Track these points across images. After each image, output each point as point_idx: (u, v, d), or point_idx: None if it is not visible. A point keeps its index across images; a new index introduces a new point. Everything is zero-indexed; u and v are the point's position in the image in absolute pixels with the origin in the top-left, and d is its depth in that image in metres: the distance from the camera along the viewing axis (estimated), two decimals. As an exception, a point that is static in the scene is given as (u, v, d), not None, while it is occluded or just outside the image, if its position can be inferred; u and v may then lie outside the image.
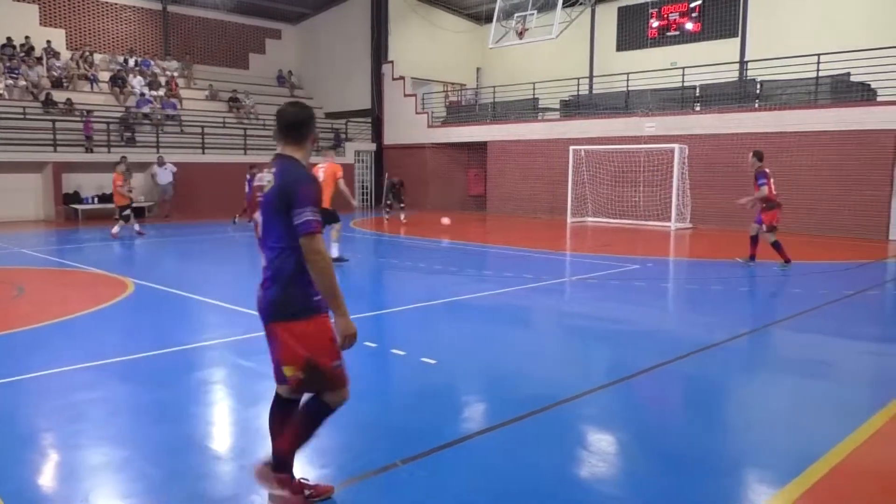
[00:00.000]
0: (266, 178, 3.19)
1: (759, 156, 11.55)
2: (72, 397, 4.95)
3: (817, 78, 17.65)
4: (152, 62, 26.44)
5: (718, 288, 9.92)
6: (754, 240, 11.53)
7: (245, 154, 24.41)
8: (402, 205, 20.77)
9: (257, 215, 3.23)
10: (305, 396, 3.39)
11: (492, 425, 4.52)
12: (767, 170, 11.35)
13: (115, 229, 15.66)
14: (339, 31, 29.20)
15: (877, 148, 16.16)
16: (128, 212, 15.90)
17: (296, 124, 3.28)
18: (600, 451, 4.17)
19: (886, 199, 16.22)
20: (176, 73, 26.79)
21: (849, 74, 17.43)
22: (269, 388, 5.23)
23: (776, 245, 11.18)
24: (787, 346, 6.86)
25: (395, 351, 6.34)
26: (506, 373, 5.76)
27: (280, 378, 3.38)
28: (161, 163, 21.06)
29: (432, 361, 5.93)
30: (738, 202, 12.07)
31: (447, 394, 5.20)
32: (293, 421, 3.32)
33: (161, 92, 25.13)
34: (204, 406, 4.93)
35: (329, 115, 29.53)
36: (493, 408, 4.97)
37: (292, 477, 3.34)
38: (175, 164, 21.53)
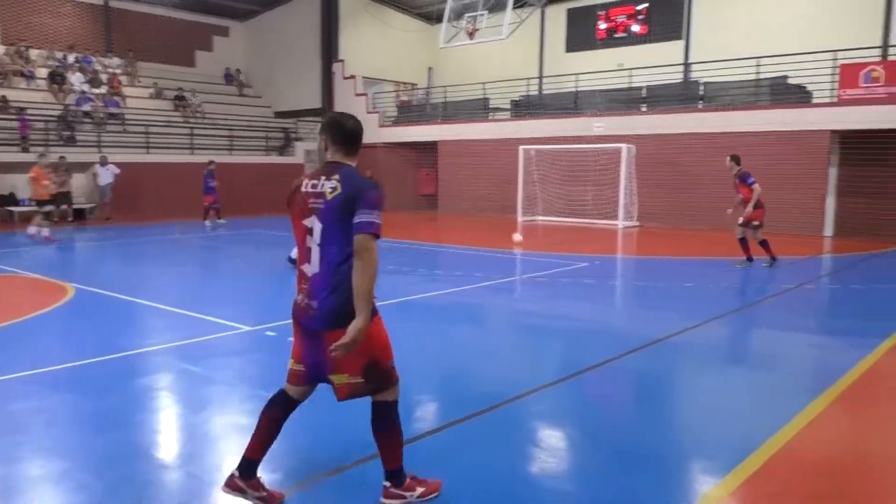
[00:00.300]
0: (328, 186, 3.16)
1: (736, 159, 11.61)
2: (7, 408, 4.77)
3: (757, 80, 18.22)
4: (93, 59, 25.65)
5: (664, 285, 10.15)
6: (744, 242, 11.44)
7: (192, 154, 23.89)
8: None
9: (310, 220, 3.20)
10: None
11: (442, 424, 4.53)
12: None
13: (33, 230, 14.79)
14: (289, 29, 28.83)
15: (813, 148, 16.76)
16: (50, 207, 15.21)
17: (355, 136, 3.30)
18: (550, 447, 4.23)
19: (822, 196, 16.84)
20: (118, 71, 26.05)
21: (786, 77, 18.04)
22: (217, 393, 5.17)
23: (764, 243, 11.27)
24: (729, 339, 7.06)
25: (346, 352, 6.29)
26: (456, 372, 5.79)
27: (304, 381, 3.42)
28: (104, 163, 20.42)
29: (383, 362, 5.91)
30: (728, 212, 11.83)
31: (400, 395, 5.18)
32: (382, 436, 3.37)
33: (103, 90, 24.40)
34: (149, 413, 4.82)
35: (279, 115, 29.13)
36: (444, 407, 4.98)
37: (405, 480, 3.42)
38: (118, 164, 20.88)
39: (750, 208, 11.21)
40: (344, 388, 3.27)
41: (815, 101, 17.80)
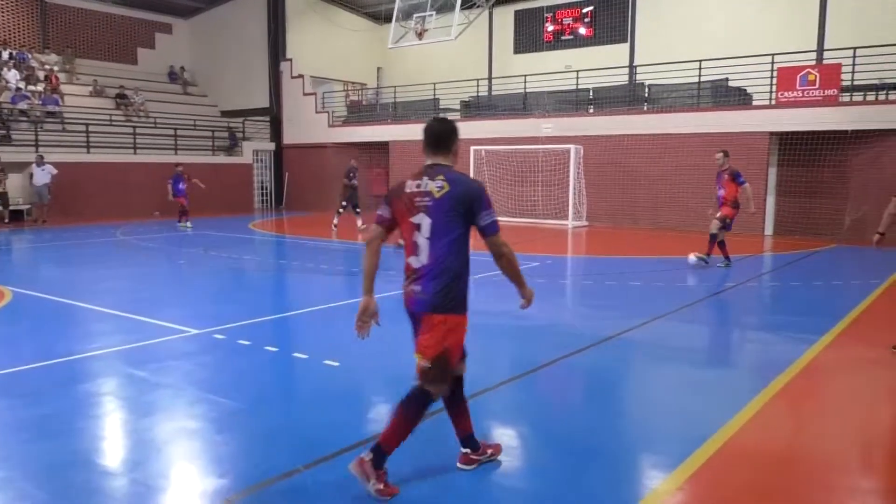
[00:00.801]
0: (434, 185, 3.46)
1: (727, 153, 11.56)
2: (-60, 416, 4.57)
3: (699, 83, 18.71)
4: (29, 55, 24.73)
5: (612, 283, 10.34)
6: (720, 242, 11.35)
7: (135, 153, 23.26)
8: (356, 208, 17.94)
9: (418, 217, 3.47)
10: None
11: (396, 425, 4.51)
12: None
13: None
14: (235, 26, 28.31)
15: (753, 149, 17.29)
16: None
17: (443, 136, 3.60)
18: (503, 445, 4.26)
19: (762, 196, 17.38)
20: (56, 68, 25.17)
21: (727, 80, 18.57)
22: (163, 397, 5.04)
23: (722, 244, 11.31)
24: (675, 336, 7.22)
25: (296, 354, 6.23)
26: (408, 372, 5.75)
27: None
28: (40, 162, 19.67)
29: (335, 363, 5.87)
30: (711, 214, 11.63)
31: (351, 396, 5.16)
32: (399, 414, 3.52)
33: (40, 87, 23.54)
34: (91, 419, 4.66)
35: (225, 114, 28.59)
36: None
37: (479, 445, 3.82)
38: (57, 163, 20.15)
39: (728, 208, 11.19)
40: (418, 370, 3.52)
41: (754, 103, 18.38)
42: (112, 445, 4.28)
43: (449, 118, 3.72)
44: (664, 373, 5.93)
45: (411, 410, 3.52)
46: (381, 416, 4.84)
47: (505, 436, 4.42)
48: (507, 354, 6.57)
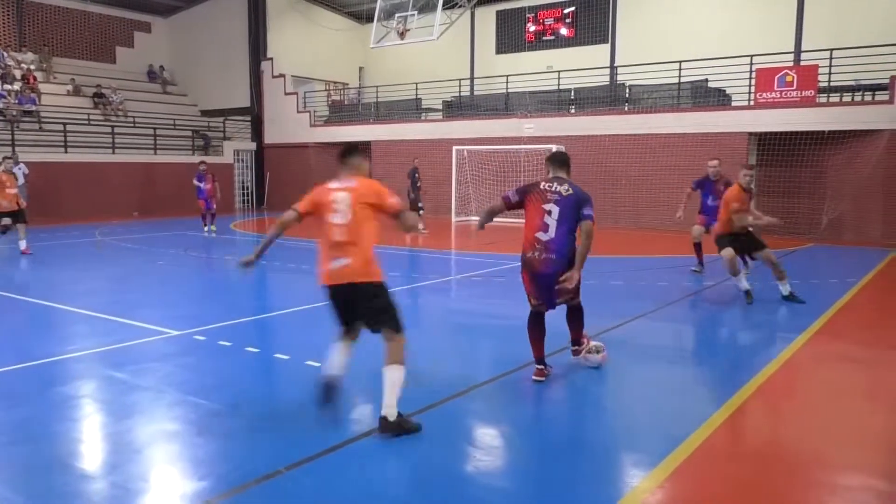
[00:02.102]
0: (562, 188, 5.29)
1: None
2: (-86, 421, 4.49)
3: (679, 84, 18.86)
4: (5, 54, 24.37)
5: (593, 282, 10.38)
6: (699, 246, 11.07)
7: (113, 153, 23.00)
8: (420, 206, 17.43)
9: (549, 206, 5.21)
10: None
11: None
12: None
13: (23, 245, 12.85)
14: (215, 25, 28.09)
15: (731, 149, 17.44)
16: (7, 220, 12.97)
17: (565, 160, 5.57)
18: (486, 444, 4.27)
19: (742, 196, 17.56)
20: (33, 66, 24.83)
21: (707, 81, 18.74)
22: (143, 399, 4.99)
23: (698, 247, 11.00)
24: (656, 335, 7.28)
25: (278, 355, 6.20)
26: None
27: (550, 305, 5.44)
28: (16, 161, 19.36)
29: (317, 364, 5.84)
30: (680, 218, 11.32)
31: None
32: (576, 320, 5.68)
33: (16, 86, 23.20)
34: (69, 422, 4.61)
35: (205, 114, 28.36)
36: (379, 409, 4.95)
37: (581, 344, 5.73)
38: (35, 163, 19.84)
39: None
40: (565, 301, 5.48)
41: (733, 104, 18.57)
42: (91, 448, 4.23)
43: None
44: (644, 371, 5.97)
45: (578, 316, 5.64)
46: (362, 416, 4.83)
47: (487, 435, 4.43)
48: (490, 353, 6.59)
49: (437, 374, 5.77)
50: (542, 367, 5.43)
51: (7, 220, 12.78)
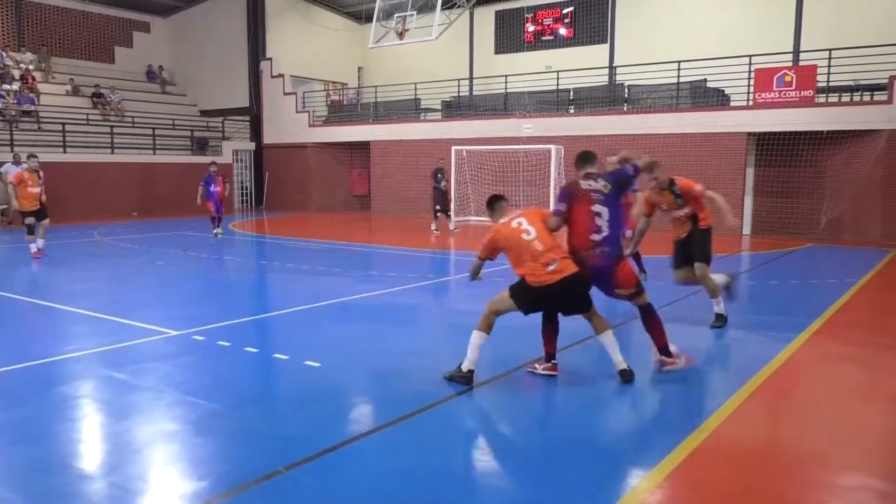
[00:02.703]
0: (601, 185, 5.41)
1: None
2: (-87, 421, 4.49)
3: (678, 84, 18.87)
4: (4, 54, 24.35)
5: (593, 282, 10.37)
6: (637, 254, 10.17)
7: (112, 153, 22.98)
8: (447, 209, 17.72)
9: (598, 207, 5.36)
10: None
11: (377, 426, 4.51)
12: None
13: (36, 246, 12.45)
14: (214, 25, 28.08)
15: (731, 149, 17.48)
16: (31, 219, 12.55)
17: (594, 157, 5.72)
18: (484, 444, 4.27)
19: (740, 196, 17.58)
20: (32, 66, 24.80)
21: (705, 81, 18.75)
22: (142, 399, 4.99)
23: (637, 255, 9.94)
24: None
25: (277, 355, 6.20)
26: (390, 373, 5.77)
27: (609, 294, 5.66)
28: (17, 161, 19.28)
29: (316, 364, 5.85)
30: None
31: (331, 397, 5.14)
32: (651, 325, 5.57)
33: (15, 86, 23.18)
34: (69, 422, 4.61)
35: (204, 114, 28.34)
36: (379, 408, 4.96)
37: (671, 353, 5.58)
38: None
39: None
40: (624, 295, 5.55)
41: (732, 104, 18.58)
42: (90, 448, 4.23)
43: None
44: (644, 372, 5.97)
45: (653, 319, 5.54)
46: (362, 416, 4.84)
47: (486, 435, 4.43)
48: (489, 354, 6.58)
49: (437, 374, 5.78)
50: (554, 362, 5.61)
51: (31, 220, 12.49)
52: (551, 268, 5.27)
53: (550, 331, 5.64)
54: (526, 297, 5.48)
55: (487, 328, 5.45)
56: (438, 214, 17.62)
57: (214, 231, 16.31)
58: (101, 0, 27.20)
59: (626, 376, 5.32)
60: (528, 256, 5.38)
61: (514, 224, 5.55)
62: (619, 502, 3.45)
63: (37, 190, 12.53)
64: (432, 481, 3.70)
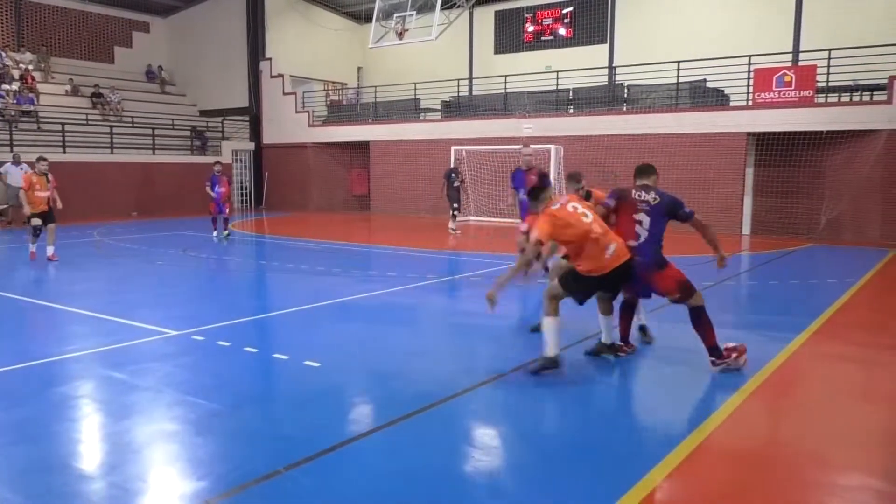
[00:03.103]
0: (650, 197, 5.67)
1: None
2: (-88, 421, 4.49)
3: (678, 84, 18.87)
4: (4, 53, 24.34)
5: (593, 282, 10.37)
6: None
7: (112, 153, 22.97)
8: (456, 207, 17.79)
9: (640, 216, 5.63)
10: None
11: (377, 426, 4.51)
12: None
13: (51, 251, 12.24)
14: (214, 25, 28.07)
15: (730, 149, 17.49)
16: (37, 221, 12.39)
17: (652, 170, 5.87)
18: (484, 445, 4.27)
19: (740, 196, 17.59)
20: (31, 66, 24.80)
21: (705, 81, 18.75)
22: (142, 399, 4.99)
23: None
24: (655, 334, 7.27)
25: (277, 355, 6.20)
26: (390, 373, 5.77)
27: (645, 294, 6.02)
28: (17, 161, 19.27)
29: (316, 364, 5.85)
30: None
31: (331, 397, 5.14)
32: (700, 329, 5.63)
33: (15, 86, 23.18)
34: (68, 422, 4.61)
35: (204, 114, 28.34)
36: (378, 408, 4.96)
37: (722, 352, 5.63)
38: (32, 163, 19.74)
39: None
40: (672, 300, 5.71)
41: (731, 104, 18.58)
42: (90, 448, 4.23)
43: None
44: (643, 371, 5.98)
45: (701, 320, 5.59)
46: (362, 416, 4.84)
47: (486, 435, 4.43)
48: (488, 355, 6.59)
49: (437, 373, 5.78)
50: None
51: (37, 222, 12.31)
52: (610, 251, 5.44)
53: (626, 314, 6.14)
54: (581, 287, 5.69)
55: (555, 311, 5.54)
56: (456, 214, 17.81)
57: (220, 233, 15.72)
58: (101, 0, 27.19)
59: (601, 349, 6.04)
60: (589, 242, 5.43)
61: (570, 208, 5.58)
62: (620, 501, 3.45)
63: (44, 194, 12.45)
64: (432, 481, 3.70)
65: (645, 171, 5.90)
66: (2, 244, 15.20)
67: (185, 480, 3.72)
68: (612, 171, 16.85)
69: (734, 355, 5.60)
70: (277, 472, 3.73)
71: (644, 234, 5.60)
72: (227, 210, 16.01)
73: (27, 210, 12.25)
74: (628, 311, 6.24)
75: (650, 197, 5.65)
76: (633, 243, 5.59)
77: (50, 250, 12.21)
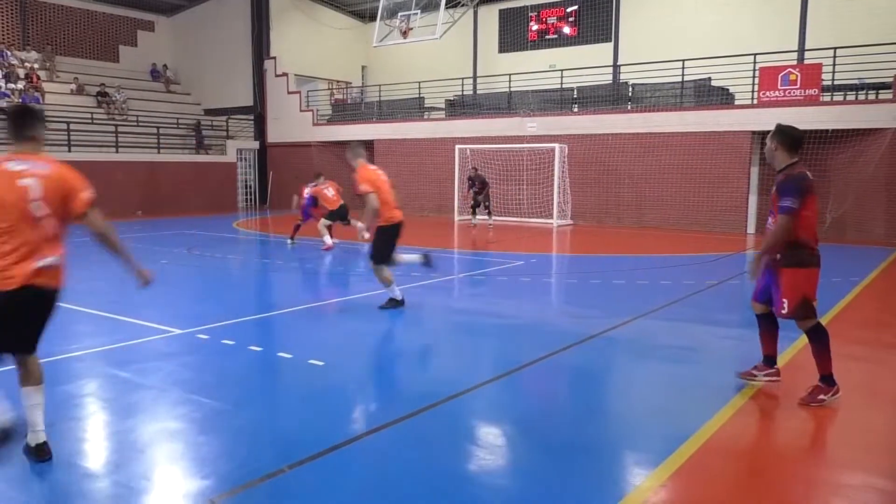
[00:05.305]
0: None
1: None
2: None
3: (682, 82, 18.83)
4: (9, 52, 24.43)
5: (597, 281, 10.39)
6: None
7: (117, 152, 23.04)
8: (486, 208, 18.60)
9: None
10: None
11: (380, 425, 4.51)
12: None
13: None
14: (218, 24, 28.12)
15: (735, 148, 17.45)
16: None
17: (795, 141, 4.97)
18: (488, 444, 4.27)
19: (744, 195, 17.55)
20: (37, 65, 24.88)
21: (710, 79, 18.71)
22: (146, 398, 5.00)
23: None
24: (658, 334, 7.27)
25: (281, 354, 6.21)
26: (394, 371, 5.78)
27: (768, 302, 5.13)
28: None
29: (320, 363, 5.86)
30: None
31: (335, 395, 5.15)
32: (814, 350, 4.93)
33: (20, 85, 23.26)
34: (73, 421, 4.62)
35: (208, 112, 28.40)
36: (382, 407, 4.97)
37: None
38: (37, 162, 19.84)
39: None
40: (788, 310, 4.87)
41: (736, 102, 18.53)
42: (94, 447, 4.24)
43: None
44: (647, 371, 5.97)
45: (819, 342, 4.87)
46: (366, 415, 4.84)
47: (489, 434, 4.43)
48: (492, 353, 6.59)
49: (440, 372, 5.78)
50: (769, 367, 5.26)
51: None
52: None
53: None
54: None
55: (388, 280, 7.07)
56: (476, 210, 18.66)
57: (294, 241, 15.07)
58: (106, -1, 27.28)
59: None
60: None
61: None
62: (623, 501, 3.45)
63: None
64: (435, 480, 3.70)
65: (781, 136, 4.97)
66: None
67: (190, 479, 3.72)
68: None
69: (832, 392, 4.94)
70: (281, 471, 3.74)
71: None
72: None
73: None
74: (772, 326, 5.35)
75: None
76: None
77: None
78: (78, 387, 5.33)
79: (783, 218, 4.71)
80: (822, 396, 4.87)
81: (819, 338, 4.89)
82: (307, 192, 14.88)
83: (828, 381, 4.91)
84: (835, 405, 4.97)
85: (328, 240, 13.82)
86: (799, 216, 4.71)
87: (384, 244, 7.98)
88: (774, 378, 5.25)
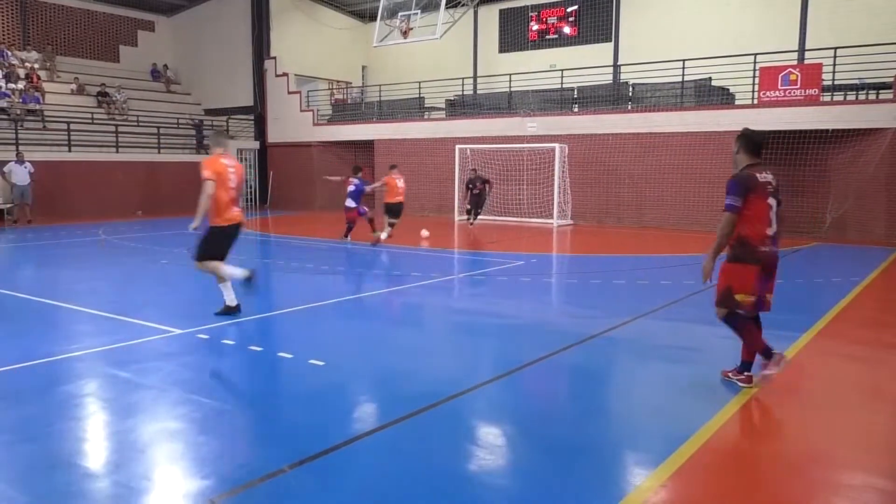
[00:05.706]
0: (772, 178, 5.05)
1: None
2: (-81, 419, 4.51)
3: (682, 82, 18.83)
4: (9, 52, 24.42)
5: (597, 281, 10.39)
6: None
7: (117, 152, 23.03)
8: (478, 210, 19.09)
9: (771, 200, 5.00)
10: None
11: (381, 425, 4.52)
12: None
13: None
14: (218, 24, 28.12)
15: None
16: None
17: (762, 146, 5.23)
18: (488, 444, 4.27)
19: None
20: (37, 65, 24.88)
21: (710, 79, 18.71)
22: (146, 398, 5.01)
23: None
24: (659, 334, 7.27)
25: (281, 354, 6.21)
26: (394, 371, 5.78)
27: (757, 308, 5.21)
28: (21, 160, 19.34)
29: (320, 363, 5.86)
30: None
31: (335, 395, 5.15)
32: (738, 334, 5.26)
33: (20, 85, 23.26)
34: (73, 421, 4.62)
35: (209, 112, 28.39)
36: (382, 407, 4.97)
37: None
38: (38, 162, 19.83)
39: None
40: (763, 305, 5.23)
41: (736, 102, 18.53)
42: (94, 447, 4.24)
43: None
44: (647, 371, 5.97)
45: (736, 331, 5.24)
46: (366, 415, 4.84)
47: (489, 434, 4.43)
48: (492, 353, 6.59)
49: (441, 372, 5.78)
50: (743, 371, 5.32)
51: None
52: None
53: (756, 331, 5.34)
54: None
55: (221, 277, 7.42)
56: (470, 213, 18.89)
57: (349, 238, 15.22)
58: (106, -1, 27.28)
59: None
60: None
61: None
62: (623, 501, 3.45)
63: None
64: (435, 480, 3.70)
65: (761, 148, 5.19)
66: (7, 243, 15.26)
67: (190, 479, 3.72)
68: None
69: (742, 376, 5.28)
70: (282, 471, 3.74)
71: (775, 220, 5.05)
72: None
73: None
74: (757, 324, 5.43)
75: (771, 177, 5.08)
76: (769, 231, 5.03)
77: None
78: (78, 387, 5.33)
79: (724, 215, 5.01)
80: (729, 374, 5.38)
81: (733, 327, 5.24)
82: (353, 182, 15.08)
83: (744, 366, 5.30)
84: (835, 405, 4.97)
85: (383, 235, 14.38)
86: (741, 215, 4.97)
87: (213, 245, 7.67)
88: (746, 383, 5.27)
